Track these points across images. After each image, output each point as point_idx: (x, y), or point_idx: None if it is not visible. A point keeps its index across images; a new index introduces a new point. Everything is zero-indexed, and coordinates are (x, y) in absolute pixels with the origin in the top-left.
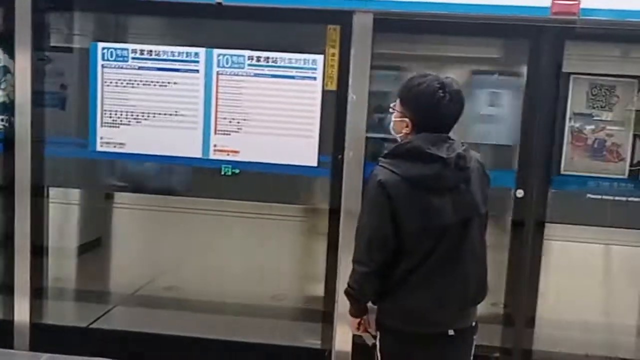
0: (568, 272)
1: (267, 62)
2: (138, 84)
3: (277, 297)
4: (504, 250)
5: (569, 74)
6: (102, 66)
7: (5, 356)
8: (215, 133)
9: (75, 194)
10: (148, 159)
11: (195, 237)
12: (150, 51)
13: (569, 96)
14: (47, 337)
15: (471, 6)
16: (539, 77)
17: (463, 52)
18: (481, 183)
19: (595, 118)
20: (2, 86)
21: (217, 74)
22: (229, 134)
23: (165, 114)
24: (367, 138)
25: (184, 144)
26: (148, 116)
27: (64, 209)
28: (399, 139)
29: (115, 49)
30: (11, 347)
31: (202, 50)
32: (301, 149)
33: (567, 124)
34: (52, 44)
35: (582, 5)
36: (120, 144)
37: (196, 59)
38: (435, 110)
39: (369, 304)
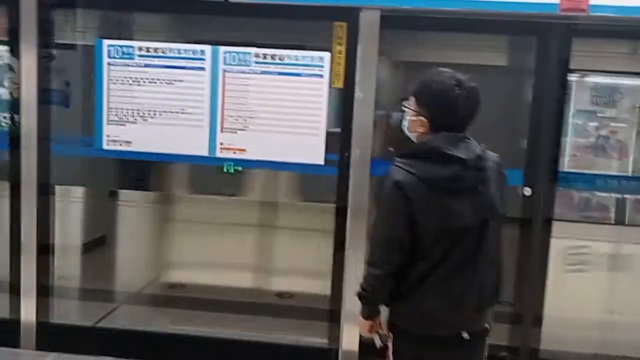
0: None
1: (274, 59)
2: (144, 82)
3: (283, 295)
4: (512, 249)
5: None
6: (108, 64)
7: (11, 355)
8: (222, 131)
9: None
10: (154, 157)
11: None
12: (157, 49)
13: (572, 93)
14: (54, 336)
15: (479, 2)
16: (547, 75)
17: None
18: (499, 183)
19: (599, 115)
20: (5, 84)
21: (224, 71)
22: (236, 132)
23: (171, 112)
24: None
25: (190, 142)
26: (154, 114)
27: (70, 207)
28: (413, 138)
29: (121, 46)
30: (17, 347)
31: (208, 48)
32: (308, 147)
33: (570, 121)
34: (58, 42)
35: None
36: (127, 142)
37: (202, 57)
38: (452, 109)
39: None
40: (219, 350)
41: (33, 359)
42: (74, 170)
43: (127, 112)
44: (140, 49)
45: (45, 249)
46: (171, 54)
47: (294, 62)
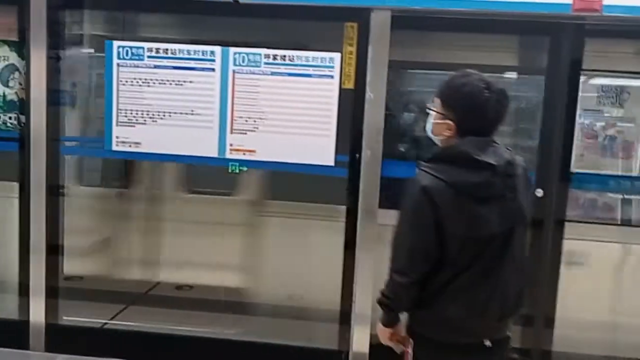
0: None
1: (284, 60)
2: (154, 83)
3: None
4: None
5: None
6: (118, 65)
7: (21, 357)
8: (232, 132)
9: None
10: (163, 158)
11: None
12: (166, 49)
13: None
14: (63, 337)
15: (491, 3)
16: (559, 75)
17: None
18: (525, 189)
19: (605, 115)
20: (10, 84)
21: (234, 72)
22: (245, 133)
23: (181, 113)
24: None
25: (200, 143)
26: (164, 115)
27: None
28: (438, 142)
29: (131, 47)
30: (27, 348)
31: (218, 49)
32: (318, 148)
33: (577, 121)
34: (67, 42)
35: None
36: (136, 143)
37: (212, 58)
38: (481, 112)
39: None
40: (228, 352)
41: None
42: None
43: (137, 114)
44: (149, 50)
45: (54, 250)
46: (181, 55)
47: (304, 63)
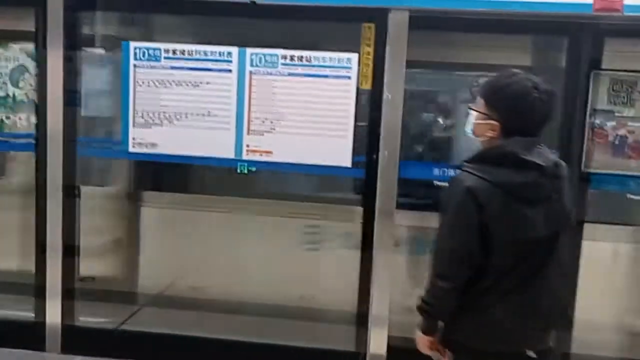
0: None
1: (301, 61)
2: (170, 84)
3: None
4: None
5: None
6: (134, 66)
7: (37, 358)
8: (248, 133)
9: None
10: (180, 159)
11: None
12: (183, 51)
13: (589, 92)
14: (79, 338)
15: (510, 3)
16: (578, 75)
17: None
18: (569, 192)
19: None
20: (20, 85)
21: (250, 73)
22: (262, 134)
23: (197, 114)
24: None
25: (217, 144)
26: (180, 116)
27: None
28: (478, 143)
29: (148, 48)
30: (43, 350)
31: (235, 50)
32: (335, 149)
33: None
34: (84, 43)
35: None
36: (153, 144)
37: (229, 59)
38: (529, 112)
39: None
40: (243, 354)
41: None
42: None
43: (153, 115)
44: (166, 51)
45: (70, 251)
46: (197, 56)
47: (322, 63)
